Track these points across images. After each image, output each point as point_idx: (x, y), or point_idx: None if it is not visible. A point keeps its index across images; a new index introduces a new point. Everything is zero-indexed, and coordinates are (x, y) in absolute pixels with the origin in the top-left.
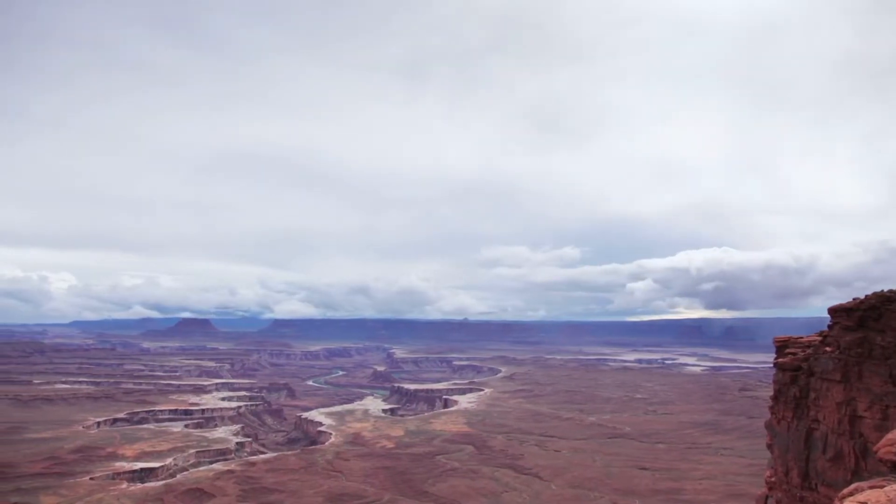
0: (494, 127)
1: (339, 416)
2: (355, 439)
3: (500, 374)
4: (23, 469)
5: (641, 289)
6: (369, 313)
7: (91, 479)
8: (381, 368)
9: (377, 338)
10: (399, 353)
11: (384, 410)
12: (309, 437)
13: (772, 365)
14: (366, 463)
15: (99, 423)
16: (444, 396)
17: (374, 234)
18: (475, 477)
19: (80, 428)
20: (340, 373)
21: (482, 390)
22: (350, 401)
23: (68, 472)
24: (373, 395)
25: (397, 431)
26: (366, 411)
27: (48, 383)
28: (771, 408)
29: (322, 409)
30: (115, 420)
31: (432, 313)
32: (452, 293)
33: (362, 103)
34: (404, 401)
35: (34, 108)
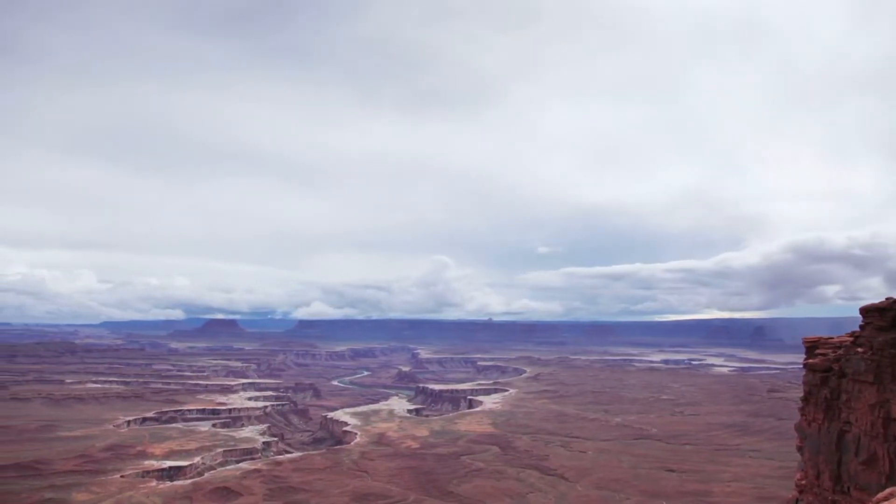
0: (443, 110)
1: (365, 417)
2: (380, 439)
3: (524, 375)
4: (56, 466)
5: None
6: (394, 314)
7: (121, 476)
8: (405, 369)
9: (402, 338)
10: (424, 353)
11: (409, 411)
12: (334, 436)
13: (801, 366)
14: (391, 463)
15: (129, 422)
16: (469, 397)
17: (365, 229)
18: (500, 477)
19: (111, 427)
20: (365, 373)
21: (507, 391)
22: (375, 401)
23: (99, 470)
24: (398, 395)
25: (422, 432)
26: (391, 411)
27: (80, 383)
28: (801, 409)
29: (347, 409)
30: (145, 419)
31: (457, 313)
32: (476, 292)
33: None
34: (429, 401)
35: None
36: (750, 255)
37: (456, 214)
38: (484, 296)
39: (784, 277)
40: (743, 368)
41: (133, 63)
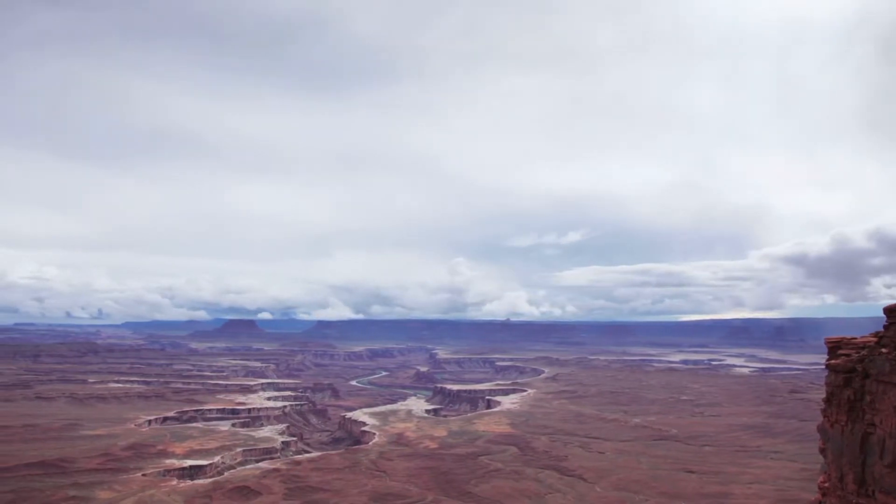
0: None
1: (383, 417)
2: (399, 439)
3: (543, 375)
4: (79, 464)
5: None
6: (412, 314)
7: (143, 475)
8: (423, 369)
9: (420, 338)
10: (442, 353)
11: (427, 411)
12: (353, 436)
13: (823, 366)
14: (409, 463)
15: (150, 422)
16: (487, 397)
17: (366, 228)
18: (518, 478)
19: (132, 426)
20: (383, 373)
21: (525, 391)
22: (393, 401)
23: (121, 469)
24: (416, 395)
25: (440, 432)
26: (409, 411)
27: (102, 382)
28: (824, 411)
29: (366, 409)
30: (165, 418)
31: (475, 314)
32: (493, 292)
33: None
34: (447, 401)
35: None
36: (784, 250)
37: (445, 213)
38: (501, 295)
39: (843, 270)
40: (764, 369)
41: (124, 61)
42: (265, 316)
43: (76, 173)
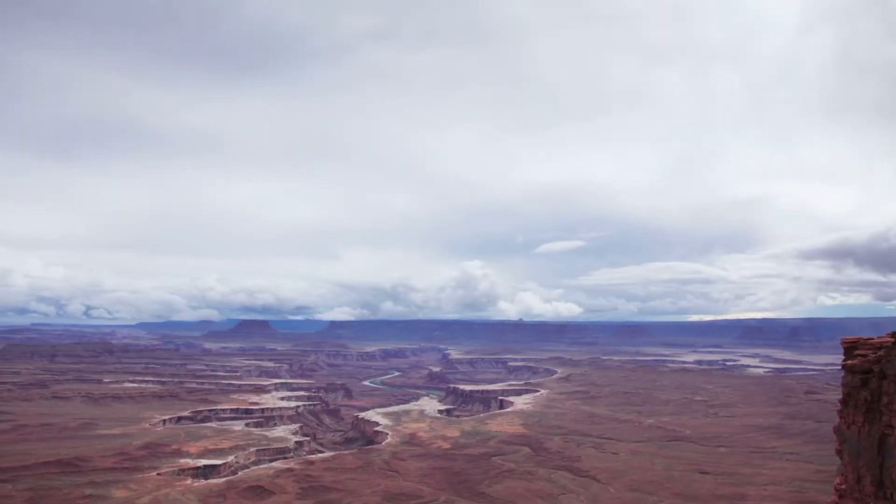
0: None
1: (396, 417)
2: (411, 439)
3: (556, 376)
4: (95, 463)
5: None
6: (424, 315)
7: (158, 474)
8: (436, 369)
9: (432, 339)
10: (454, 353)
11: (440, 411)
12: (366, 436)
13: (840, 367)
14: (422, 463)
15: (164, 421)
16: (500, 397)
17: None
18: (532, 479)
19: (147, 425)
20: (396, 373)
21: (538, 391)
22: (406, 401)
23: (136, 468)
24: (428, 395)
25: (453, 432)
26: (422, 412)
27: (117, 382)
28: (840, 412)
29: (378, 410)
30: (180, 418)
31: (487, 314)
32: (507, 293)
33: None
34: (460, 401)
35: None
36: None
37: (452, 212)
38: (514, 295)
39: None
40: (779, 369)
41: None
42: (279, 316)
43: (73, 172)
